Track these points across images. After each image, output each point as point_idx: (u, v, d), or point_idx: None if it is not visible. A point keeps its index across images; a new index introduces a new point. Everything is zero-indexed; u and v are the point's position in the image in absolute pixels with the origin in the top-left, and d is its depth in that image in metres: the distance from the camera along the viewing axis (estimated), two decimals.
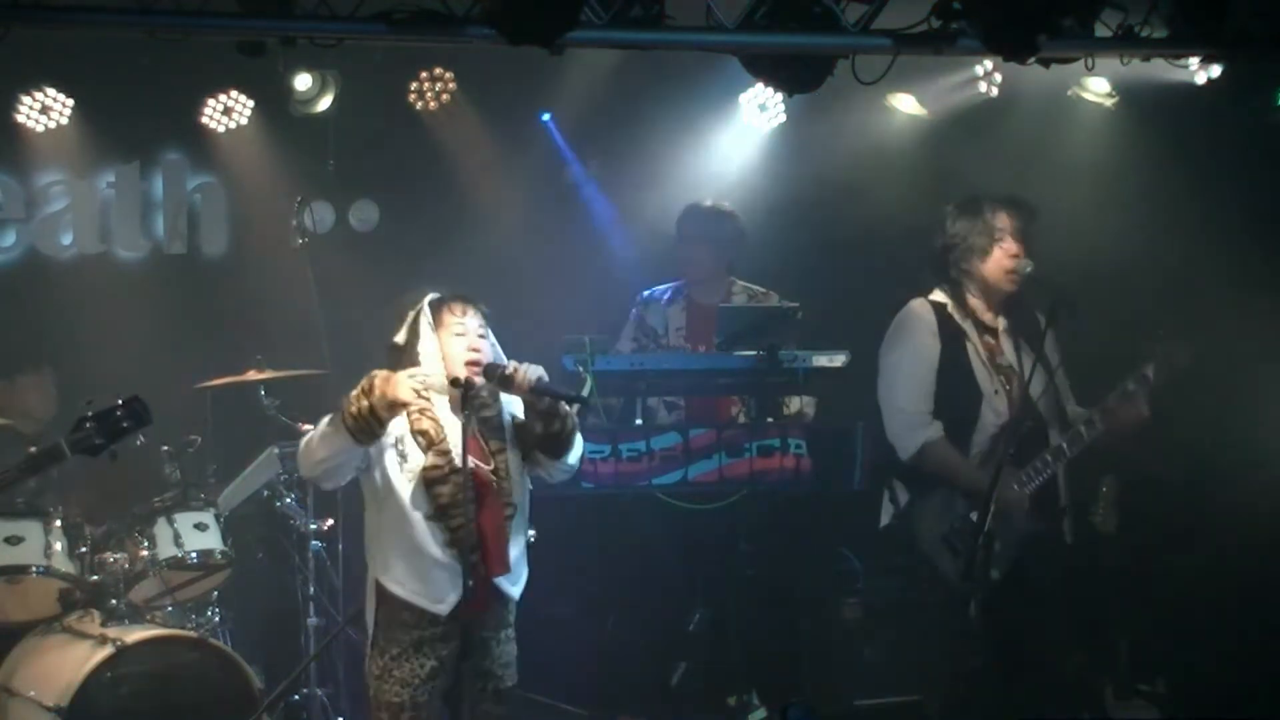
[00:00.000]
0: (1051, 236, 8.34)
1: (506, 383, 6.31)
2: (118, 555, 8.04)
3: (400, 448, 6.29)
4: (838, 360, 8.30)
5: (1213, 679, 8.36)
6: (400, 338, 6.38)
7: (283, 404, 8.57)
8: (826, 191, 9.87)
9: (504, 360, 6.39)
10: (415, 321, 6.37)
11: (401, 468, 6.29)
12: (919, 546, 7.46)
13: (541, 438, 6.39)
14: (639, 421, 8.36)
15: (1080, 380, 7.70)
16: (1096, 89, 9.39)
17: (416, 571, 6.27)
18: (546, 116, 10.17)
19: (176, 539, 8.15)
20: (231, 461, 8.76)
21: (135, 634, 7.73)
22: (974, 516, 7.18)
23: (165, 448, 8.36)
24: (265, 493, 8.60)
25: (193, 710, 7.72)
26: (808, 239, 9.82)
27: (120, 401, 6.94)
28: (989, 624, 7.05)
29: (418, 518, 6.27)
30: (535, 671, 7.09)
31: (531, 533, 6.61)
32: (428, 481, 6.26)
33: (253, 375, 8.62)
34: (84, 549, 8.04)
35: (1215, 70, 8.72)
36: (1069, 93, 9.45)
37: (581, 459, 6.56)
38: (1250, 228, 8.73)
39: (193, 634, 7.95)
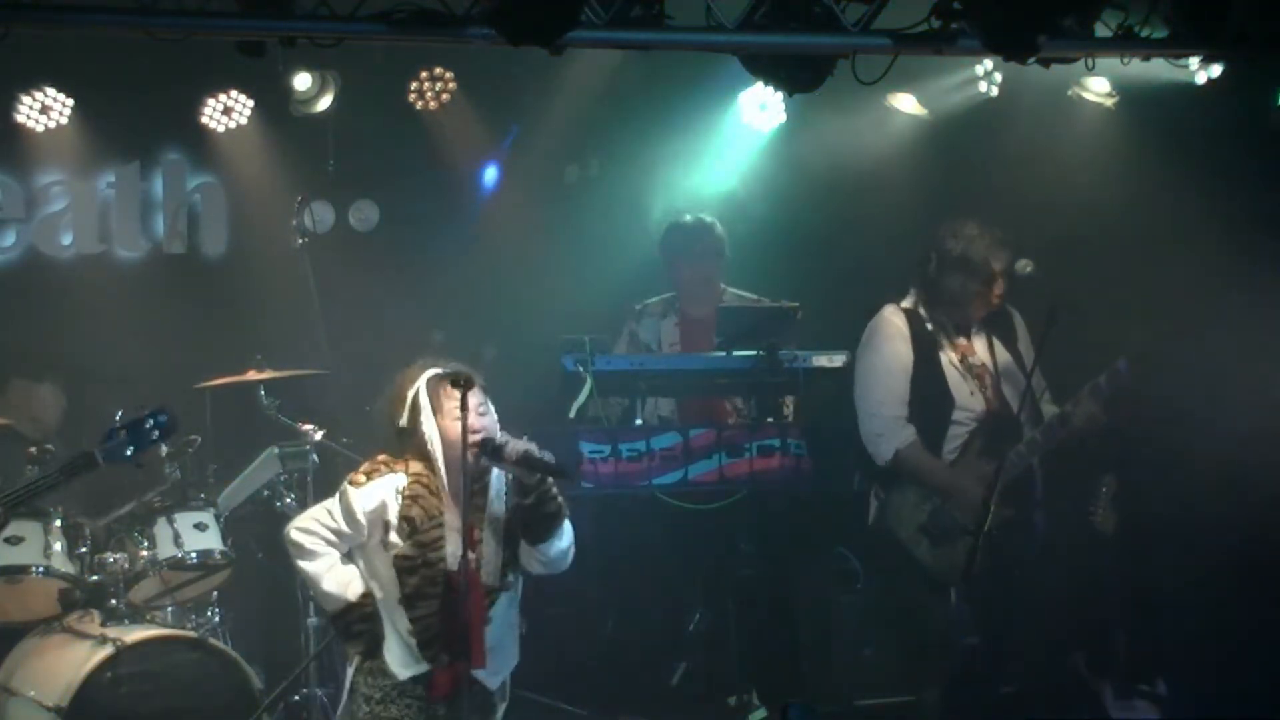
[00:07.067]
0: (1051, 236, 8.34)
1: (497, 454, 6.30)
2: (118, 555, 8.04)
3: (387, 530, 6.33)
4: (838, 360, 8.32)
5: (1213, 679, 8.34)
6: (403, 421, 6.38)
7: (283, 404, 8.56)
8: (826, 191, 9.86)
9: (496, 433, 6.39)
10: (415, 402, 6.37)
11: (385, 548, 6.35)
12: (897, 536, 7.73)
13: (529, 514, 6.35)
14: (639, 421, 8.37)
15: (1078, 379, 7.74)
16: (1096, 89, 9.38)
17: (390, 639, 6.36)
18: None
19: (176, 539, 8.15)
20: (231, 461, 8.75)
21: (135, 634, 7.73)
22: (948, 509, 7.60)
23: (165, 448, 8.35)
24: (265, 493, 8.59)
25: (193, 710, 7.72)
26: (807, 239, 9.81)
27: (148, 411, 7.01)
28: (973, 606, 7.44)
29: (391, 599, 6.36)
30: (535, 671, 7.08)
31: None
32: (398, 570, 6.32)
33: (253, 375, 8.61)
34: (84, 549, 8.03)
35: (1215, 70, 8.71)
36: (1069, 93, 9.44)
37: (568, 554, 6.46)
38: (1250, 227, 8.71)
39: (193, 634, 7.95)
